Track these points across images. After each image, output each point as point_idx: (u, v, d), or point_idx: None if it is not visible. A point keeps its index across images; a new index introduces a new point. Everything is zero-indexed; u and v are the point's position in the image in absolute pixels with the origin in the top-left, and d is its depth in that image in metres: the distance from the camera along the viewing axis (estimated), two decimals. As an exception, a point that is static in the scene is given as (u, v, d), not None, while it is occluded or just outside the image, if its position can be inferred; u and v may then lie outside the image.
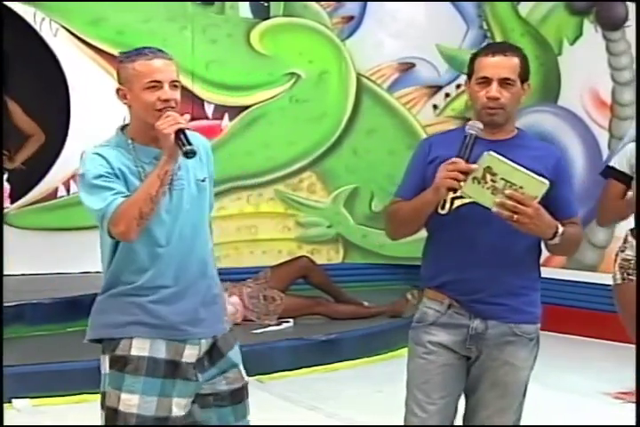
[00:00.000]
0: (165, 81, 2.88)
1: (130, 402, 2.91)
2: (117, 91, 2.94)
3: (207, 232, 3.06)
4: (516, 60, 3.01)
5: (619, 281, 4.12)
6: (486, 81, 2.98)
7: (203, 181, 3.01)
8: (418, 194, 3.01)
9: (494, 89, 2.97)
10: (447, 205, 2.91)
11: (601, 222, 4.32)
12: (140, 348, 2.93)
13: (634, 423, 4.15)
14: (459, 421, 3.18)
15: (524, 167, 2.83)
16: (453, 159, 2.86)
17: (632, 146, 4.18)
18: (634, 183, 4.08)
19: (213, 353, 3.04)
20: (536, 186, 2.79)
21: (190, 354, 2.98)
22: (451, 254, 3.05)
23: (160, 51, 2.94)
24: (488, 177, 2.79)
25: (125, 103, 2.93)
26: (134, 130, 2.95)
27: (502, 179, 2.78)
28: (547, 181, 2.82)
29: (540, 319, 3.14)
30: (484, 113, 3.00)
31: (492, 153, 2.81)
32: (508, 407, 3.10)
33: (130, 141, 2.93)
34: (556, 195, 3.00)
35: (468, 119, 3.07)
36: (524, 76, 3.03)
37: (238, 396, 3.09)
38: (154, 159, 2.90)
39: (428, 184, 2.99)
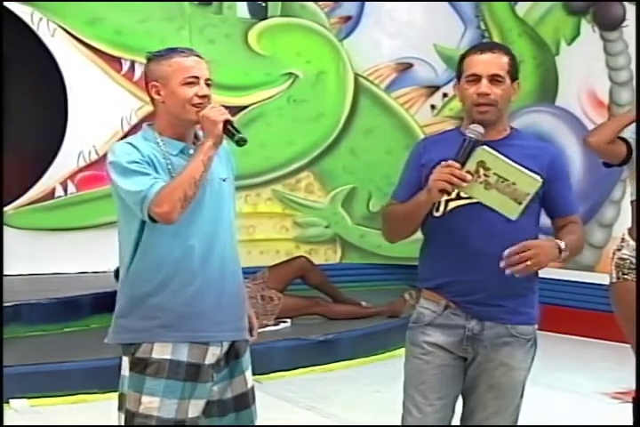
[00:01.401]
0: (202, 78, 2.96)
1: (150, 405, 2.90)
2: (151, 87, 2.98)
3: (230, 232, 3.08)
4: (504, 58, 3.01)
5: (614, 280, 4.13)
6: (476, 78, 2.98)
7: (224, 180, 3.05)
8: (412, 196, 3.01)
9: (484, 85, 2.96)
10: (441, 208, 2.93)
11: (590, 139, 4.16)
12: (161, 351, 2.92)
13: (632, 423, 4.16)
14: (455, 422, 3.18)
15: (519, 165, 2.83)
16: (450, 162, 2.85)
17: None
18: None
19: (230, 354, 3.05)
20: (529, 183, 2.78)
21: (212, 356, 2.98)
22: (446, 256, 3.04)
23: (192, 50, 3.02)
24: (481, 171, 2.79)
25: (158, 99, 2.98)
26: (163, 125, 3.00)
27: (495, 174, 2.78)
28: (539, 179, 2.81)
29: (538, 320, 3.13)
30: (474, 111, 2.99)
31: (485, 147, 2.80)
32: (505, 409, 3.09)
33: (157, 135, 2.98)
34: (553, 193, 3.01)
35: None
36: (513, 74, 3.02)
37: (242, 402, 3.09)
38: (181, 152, 2.96)
39: (422, 186, 2.99)
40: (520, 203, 2.84)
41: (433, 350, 3.04)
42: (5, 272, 5.81)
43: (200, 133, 3.05)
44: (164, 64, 2.95)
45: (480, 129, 2.92)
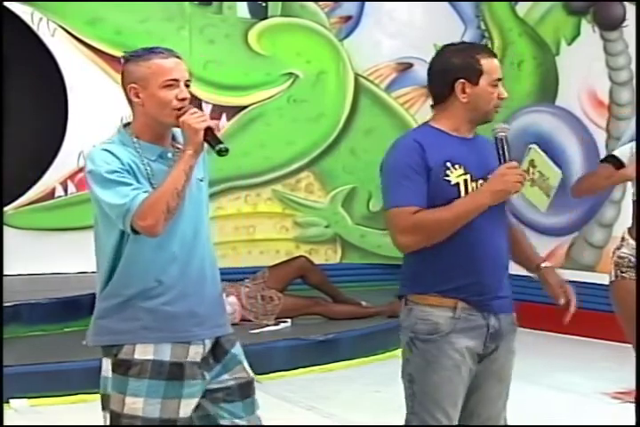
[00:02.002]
0: (181, 80, 2.90)
1: (134, 405, 2.89)
2: (130, 89, 2.91)
3: (207, 232, 3.05)
4: None
5: (613, 278, 4.14)
6: (498, 83, 3.04)
7: (201, 180, 3.01)
8: (426, 200, 2.95)
9: (503, 89, 3.05)
10: None
11: (574, 192, 4.38)
12: (143, 351, 2.91)
13: (632, 423, 4.15)
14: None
15: (492, 163, 2.95)
16: (514, 163, 2.91)
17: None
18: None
19: (217, 350, 3.04)
20: (555, 176, 2.88)
21: (195, 354, 2.96)
22: (464, 256, 2.99)
23: (171, 50, 2.95)
24: (531, 170, 2.86)
25: (137, 102, 2.91)
26: (140, 128, 2.94)
27: (539, 171, 2.85)
28: (560, 171, 2.91)
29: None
30: (492, 113, 3.05)
31: (535, 147, 2.86)
32: (506, 400, 3.13)
33: (134, 139, 2.92)
34: None
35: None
36: None
37: (246, 391, 3.08)
38: (159, 157, 2.92)
39: (432, 190, 2.95)
40: (548, 196, 2.94)
41: (463, 358, 3.00)
42: (5, 272, 5.81)
43: (178, 136, 3.01)
44: (143, 65, 2.89)
45: (507, 126, 3.01)
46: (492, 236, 3.01)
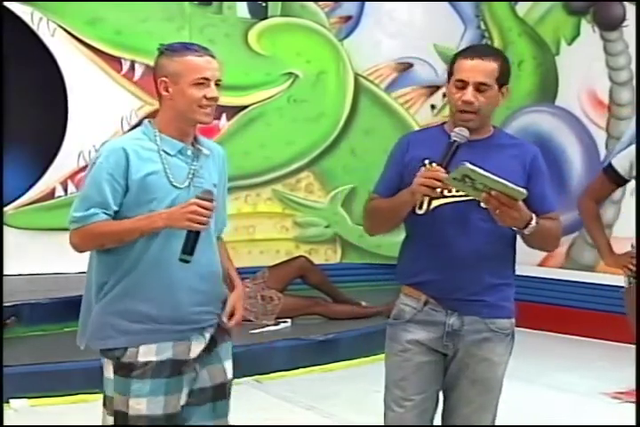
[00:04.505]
0: (212, 79, 2.93)
1: (138, 406, 2.91)
2: (160, 82, 2.93)
3: (213, 236, 3.07)
4: (493, 65, 3.02)
5: (626, 285, 4.14)
6: (463, 85, 3.01)
7: (215, 185, 3.03)
8: (394, 191, 3.06)
9: (470, 93, 3.00)
10: (424, 206, 2.96)
11: (579, 207, 4.31)
12: (146, 353, 2.92)
13: (632, 423, 4.16)
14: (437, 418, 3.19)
15: (503, 167, 2.90)
16: (435, 167, 2.90)
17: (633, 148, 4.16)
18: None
19: (209, 343, 3.05)
20: (513, 194, 2.81)
21: (196, 349, 2.99)
22: (428, 254, 3.08)
23: (206, 49, 2.97)
24: (467, 180, 2.81)
25: (166, 96, 2.93)
26: (165, 122, 2.97)
27: (481, 183, 2.80)
28: (524, 191, 2.84)
29: (515, 314, 3.15)
30: (458, 117, 3.04)
31: (468, 165, 2.79)
32: (489, 404, 3.13)
33: (156, 133, 2.95)
34: (533, 191, 3.02)
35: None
36: (502, 80, 3.04)
37: (220, 393, 3.09)
38: (178, 152, 2.94)
39: (404, 182, 3.02)
40: None
41: (412, 347, 3.09)
42: (5, 272, 5.80)
43: (200, 136, 3.04)
44: (177, 61, 2.92)
45: (465, 133, 2.97)
46: (464, 240, 3.01)
